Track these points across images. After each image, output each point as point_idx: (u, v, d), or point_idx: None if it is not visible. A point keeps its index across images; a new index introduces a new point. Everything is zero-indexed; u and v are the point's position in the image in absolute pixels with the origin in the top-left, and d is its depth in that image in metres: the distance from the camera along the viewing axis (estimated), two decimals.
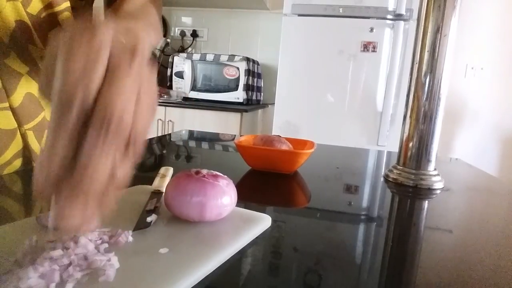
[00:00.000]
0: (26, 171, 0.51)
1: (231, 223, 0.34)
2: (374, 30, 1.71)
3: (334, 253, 0.32)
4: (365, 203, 0.50)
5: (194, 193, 0.32)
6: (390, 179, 0.60)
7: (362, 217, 0.44)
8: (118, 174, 0.24)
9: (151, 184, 0.43)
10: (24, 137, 0.50)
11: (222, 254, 0.28)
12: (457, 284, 0.28)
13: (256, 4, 2.25)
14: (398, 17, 1.68)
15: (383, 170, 0.70)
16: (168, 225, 0.32)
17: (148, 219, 0.32)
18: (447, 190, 0.57)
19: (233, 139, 0.95)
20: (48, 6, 0.49)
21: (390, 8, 1.69)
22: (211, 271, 0.26)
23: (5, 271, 0.22)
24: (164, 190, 0.40)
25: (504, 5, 2.16)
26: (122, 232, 0.28)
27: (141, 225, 0.31)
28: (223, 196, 0.33)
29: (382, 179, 0.62)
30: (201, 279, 0.25)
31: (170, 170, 0.48)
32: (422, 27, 0.57)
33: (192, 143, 0.89)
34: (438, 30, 0.55)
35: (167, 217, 0.34)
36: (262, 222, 0.35)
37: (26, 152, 0.51)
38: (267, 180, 0.55)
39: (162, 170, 0.48)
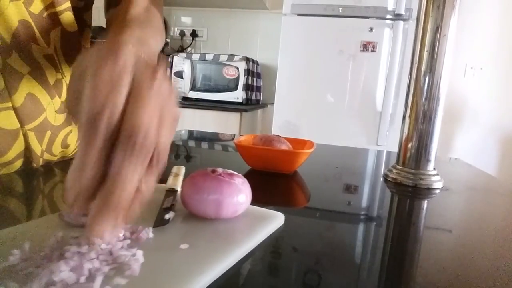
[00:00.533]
0: (25, 171, 0.51)
1: (246, 220, 0.35)
2: (373, 30, 1.71)
3: (334, 253, 0.32)
4: (364, 203, 0.50)
5: (211, 191, 0.33)
6: (390, 179, 0.60)
7: (362, 216, 0.44)
8: (143, 188, 0.25)
9: (161, 183, 0.44)
10: (25, 137, 0.50)
11: (239, 250, 0.29)
12: (457, 283, 0.28)
13: (255, 4, 2.25)
14: (397, 17, 1.68)
15: (382, 170, 0.70)
16: (184, 222, 0.33)
17: (166, 216, 0.33)
18: (447, 190, 0.57)
19: (232, 139, 0.95)
20: (50, 5, 0.50)
21: (390, 8, 1.69)
22: (230, 266, 0.27)
23: (36, 265, 0.23)
24: (178, 189, 0.41)
25: (504, 5, 2.16)
26: (143, 229, 0.29)
27: (160, 222, 0.32)
28: (238, 194, 0.34)
29: (381, 179, 0.62)
30: (221, 273, 0.26)
31: (183, 169, 0.49)
32: (422, 27, 0.57)
33: (191, 143, 0.89)
34: (437, 30, 0.55)
35: (183, 214, 0.35)
36: (276, 219, 0.36)
37: (27, 153, 0.51)
38: (266, 180, 0.55)
39: (175, 169, 0.49)
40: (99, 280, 0.22)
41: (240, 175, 0.36)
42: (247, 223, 0.34)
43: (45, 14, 0.49)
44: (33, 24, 0.47)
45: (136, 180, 0.24)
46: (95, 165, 0.24)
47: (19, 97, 0.48)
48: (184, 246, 0.28)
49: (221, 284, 0.25)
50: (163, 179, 0.44)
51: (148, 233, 0.29)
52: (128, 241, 0.27)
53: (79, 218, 0.30)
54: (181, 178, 0.46)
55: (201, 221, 0.33)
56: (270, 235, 0.34)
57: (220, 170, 0.35)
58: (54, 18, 0.51)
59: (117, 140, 0.24)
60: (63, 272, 0.22)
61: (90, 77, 0.24)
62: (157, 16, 0.48)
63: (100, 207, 0.24)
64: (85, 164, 0.24)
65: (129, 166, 0.24)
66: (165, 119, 0.26)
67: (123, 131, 0.24)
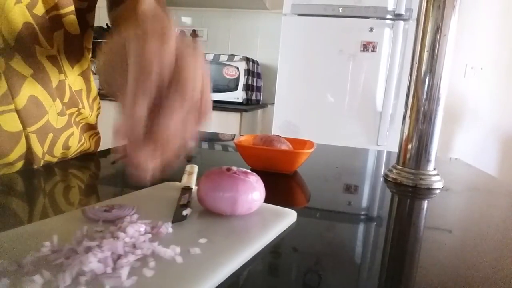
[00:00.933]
0: (25, 171, 0.51)
1: (261, 217, 0.36)
2: (373, 30, 1.71)
3: (334, 253, 0.32)
4: (364, 203, 0.50)
5: (227, 188, 0.34)
6: (390, 179, 0.60)
7: (362, 217, 0.44)
8: (189, 129, 0.29)
9: (176, 181, 0.46)
10: (27, 139, 0.50)
11: (256, 245, 0.30)
12: (457, 284, 0.28)
13: (255, 4, 2.25)
14: (397, 17, 1.68)
15: (382, 170, 0.70)
16: (201, 218, 0.35)
17: (184, 212, 0.34)
18: (447, 190, 0.57)
19: (232, 139, 0.95)
20: (53, 8, 0.50)
21: (390, 8, 1.69)
22: (248, 259, 0.29)
23: (65, 256, 0.25)
24: (193, 186, 0.43)
25: (504, 5, 2.16)
26: (162, 224, 0.31)
27: (178, 218, 0.33)
28: (253, 192, 0.35)
29: (381, 179, 0.62)
30: (240, 266, 0.27)
31: (196, 168, 0.51)
32: (422, 27, 0.57)
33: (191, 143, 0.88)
34: (437, 30, 0.55)
35: (198, 211, 0.36)
36: (289, 216, 0.37)
37: (28, 154, 0.51)
38: (266, 180, 0.55)
39: (188, 168, 0.51)
40: (125, 270, 0.23)
41: (254, 173, 0.37)
42: (261, 219, 0.36)
43: (48, 16, 0.50)
44: (36, 26, 0.47)
45: (181, 124, 0.28)
46: (145, 107, 0.27)
47: (22, 100, 0.48)
48: (202, 240, 0.29)
49: (221, 284, 0.25)
50: (177, 178, 0.46)
51: (168, 228, 0.31)
52: (149, 235, 0.29)
53: (101, 213, 0.32)
54: (194, 176, 0.48)
55: (217, 218, 0.35)
56: (283, 231, 0.35)
57: (234, 168, 0.36)
58: (57, 20, 0.51)
59: (167, 93, 0.27)
60: (92, 263, 0.23)
61: (139, 40, 0.27)
62: (166, 13, 0.49)
63: (146, 144, 0.27)
64: (137, 106, 0.26)
65: (177, 111, 0.27)
66: (206, 79, 0.30)
67: (174, 83, 0.27)
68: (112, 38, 0.31)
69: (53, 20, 0.51)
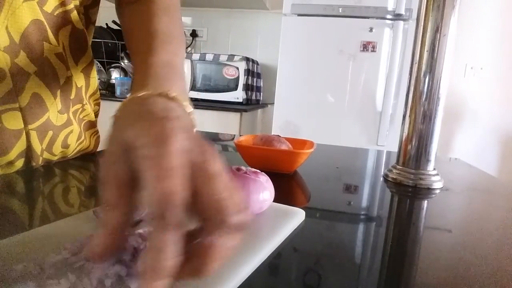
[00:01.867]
0: (26, 171, 0.51)
1: (271, 216, 0.36)
2: (373, 30, 1.71)
3: (334, 253, 0.32)
4: (364, 203, 0.50)
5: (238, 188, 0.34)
6: (390, 179, 0.60)
7: (362, 216, 0.44)
8: (223, 246, 0.22)
9: None
10: (27, 136, 0.50)
11: (269, 245, 0.30)
12: (456, 284, 0.28)
13: (255, 4, 2.25)
14: (397, 17, 1.68)
15: (382, 170, 0.70)
16: None
17: None
18: (447, 190, 0.57)
19: (232, 139, 0.95)
20: (62, 4, 0.50)
21: (390, 8, 1.69)
22: (264, 259, 0.29)
23: (86, 259, 0.24)
24: None
25: (504, 4, 2.16)
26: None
27: None
28: (264, 191, 0.35)
29: (381, 179, 0.62)
30: (255, 269, 0.27)
31: None
32: (422, 27, 0.57)
33: None
34: (437, 30, 0.55)
35: None
36: (298, 215, 0.38)
37: (28, 152, 0.51)
38: None
39: None
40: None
41: (263, 173, 0.37)
42: (272, 218, 0.36)
43: (57, 12, 0.50)
44: (46, 23, 0.48)
45: (174, 248, 0.20)
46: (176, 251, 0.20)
47: (25, 97, 0.48)
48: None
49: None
50: None
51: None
52: None
53: None
54: None
55: None
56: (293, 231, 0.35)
57: (244, 168, 0.36)
58: (65, 16, 0.51)
59: (205, 220, 0.22)
60: (115, 265, 0.23)
61: (144, 162, 0.21)
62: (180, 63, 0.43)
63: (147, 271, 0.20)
64: (165, 252, 0.20)
65: (225, 241, 0.21)
66: (235, 189, 0.23)
67: (208, 211, 0.22)
68: (111, 138, 0.24)
69: (62, 16, 0.51)
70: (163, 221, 0.20)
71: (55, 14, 0.50)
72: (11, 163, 0.50)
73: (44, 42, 0.48)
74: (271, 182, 0.38)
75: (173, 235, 0.20)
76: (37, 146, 0.52)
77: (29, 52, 0.47)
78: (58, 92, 0.54)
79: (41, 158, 0.53)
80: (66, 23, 0.52)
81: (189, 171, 0.22)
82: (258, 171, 0.37)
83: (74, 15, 0.53)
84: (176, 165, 0.21)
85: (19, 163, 0.51)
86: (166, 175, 0.20)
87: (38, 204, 0.40)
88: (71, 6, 0.52)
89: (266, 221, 0.35)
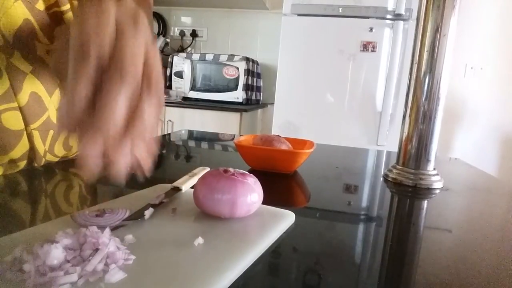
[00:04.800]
0: (27, 171, 0.51)
1: (259, 219, 0.35)
2: (373, 30, 1.71)
3: (334, 253, 0.32)
4: (364, 203, 0.50)
5: (225, 190, 0.33)
6: (390, 179, 0.60)
7: (362, 216, 0.44)
8: (145, 116, 0.27)
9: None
10: (30, 137, 0.50)
11: (257, 249, 0.29)
12: (457, 283, 0.28)
13: (255, 4, 2.25)
14: (397, 17, 1.68)
15: (382, 170, 0.70)
16: (198, 221, 0.34)
17: (146, 212, 0.33)
18: (446, 190, 0.57)
19: (232, 139, 0.95)
20: (55, 4, 0.50)
21: (390, 8, 1.69)
22: (251, 263, 0.28)
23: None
24: (183, 188, 0.42)
25: (504, 5, 2.16)
26: (115, 222, 0.30)
27: (134, 216, 0.33)
28: (252, 193, 0.34)
29: (381, 178, 0.62)
30: (241, 273, 0.26)
31: (205, 170, 0.49)
32: (422, 27, 0.57)
33: (191, 143, 0.89)
34: (437, 30, 0.55)
35: (195, 213, 0.35)
36: (287, 218, 0.37)
37: (30, 153, 0.51)
38: (266, 180, 0.55)
39: (197, 170, 0.49)
40: (115, 271, 0.23)
41: (251, 174, 0.36)
42: (260, 222, 0.35)
43: (49, 11, 0.50)
44: (35, 22, 0.47)
45: (124, 105, 0.26)
46: (86, 90, 0.26)
47: (24, 97, 0.48)
48: (201, 243, 0.29)
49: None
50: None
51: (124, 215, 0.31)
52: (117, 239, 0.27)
53: (92, 218, 0.31)
54: (195, 178, 0.46)
55: (215, 221, 0.34)
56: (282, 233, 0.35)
57: (232, 170, 0.36)
58: (58, 15, 0.51)
59: (106, 71, 0.26)
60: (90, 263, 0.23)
61: (77, 21, 0.27)
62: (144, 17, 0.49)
63: (90, 130, 0.25)
64: (76, 90, 0.25)
65: (118, 92, 0.26)
66: (153, 54, 0.28)
67: (111, 62, 0.26)
68: (63, 28, 0.31)
69: (54, 15, 0.51)
70: (77, 69, 0.25)
71: (48, 13, 0.49)
72: (13, 162, 0.50)
73: (35, 41, 0.48)
74: (260, 184, 0.36)
75: (83, 81, 0.26)
76: (41, 147, 0.52)
77: (23, 51, 0.47)
78: (56, 91, 0.53)
79: (43, 160, 0.53)
80: (60, 22, 0.52)
81: (114, 29, 0.27)
82: (246, 172, 0.36)
83: (69, 15, 0.52)
84: (106, 17, 0.27)
85: (22, 164, 0.51)
86: (97, 21, 0.26)
87: (34, 205, 0.40)
88: (66, 7, 0.51)
89: (254, 224, 0.34)
